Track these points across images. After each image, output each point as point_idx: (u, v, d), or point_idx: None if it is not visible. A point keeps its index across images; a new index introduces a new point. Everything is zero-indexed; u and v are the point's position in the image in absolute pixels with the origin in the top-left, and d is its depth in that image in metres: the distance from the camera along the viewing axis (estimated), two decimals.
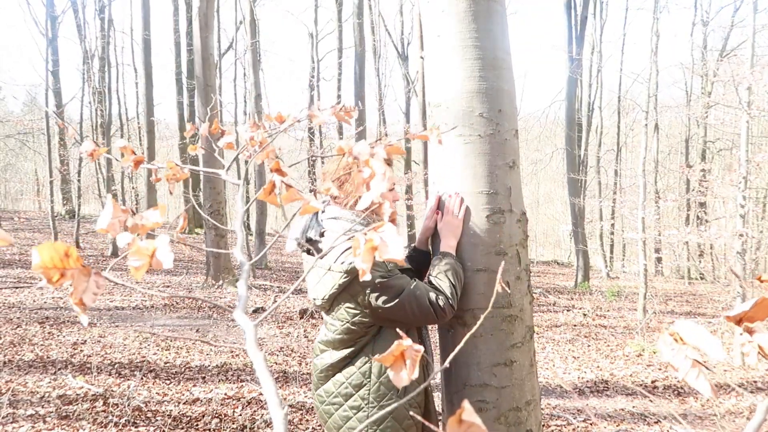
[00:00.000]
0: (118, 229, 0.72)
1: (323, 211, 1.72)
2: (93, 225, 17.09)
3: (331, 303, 1.62)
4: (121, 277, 9.74)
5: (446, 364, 0.65)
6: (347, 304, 1.58)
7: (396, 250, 0.68)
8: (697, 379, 0.60)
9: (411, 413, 1.58)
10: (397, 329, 0.91)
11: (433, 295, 1.56)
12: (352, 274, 1.53)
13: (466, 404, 0.44)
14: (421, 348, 0.65)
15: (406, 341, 0.62)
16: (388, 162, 1.70)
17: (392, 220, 0.78)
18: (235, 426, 3.83)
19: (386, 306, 1.54)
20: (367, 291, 1.54)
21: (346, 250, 1.58)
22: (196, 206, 1.21)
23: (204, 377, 4.89)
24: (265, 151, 1.05)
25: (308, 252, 1.74)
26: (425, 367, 1.67)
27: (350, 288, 1.56)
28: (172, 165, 1.19)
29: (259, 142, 1.17)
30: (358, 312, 1.58)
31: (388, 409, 0.72)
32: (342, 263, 1.56)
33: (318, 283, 1.62)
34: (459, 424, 0.44)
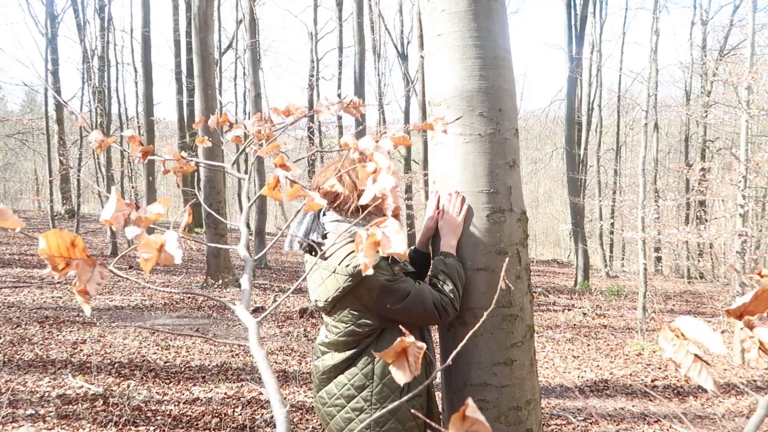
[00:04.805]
0: (122, 221, 0.72)
1: (324, 214, 1.71)
2: (93, 224, 17.07)
3: (334, 305, 1.61)
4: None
5: (449, 361, 0.65)
6: (351, 307, 1.58)
7: (399, 245, 0.68)
8: (699, 375, 0.60)
9: (414, 413, 1.58)
10: (401, 328, 0.91)
11: (437, 297, 1.56)
12: (358, 277, 1.52)
13: (470, 401, 0.44)
14: (424, 345, 0.64)
15: (409, 338, 0.62)
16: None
17: (395, 216, 0.78)
18: (235, 425, 3.83)
19: (392, 308, 1.54)
20: (373, 294, 1.54)
21: (351, 252, 1.56)
22: (201, 201, 1.21)
23: (204, 377, 4.89)
24: (271, 145, 1.05)
25: (310, 252, 1.73)
26: (427, 367, 1.66)
27: (355, 291, 1.55)
28: (178, 157, 1.19)
29: (266, 135, 1.17)
30: (363, 314, 1.58)
31: (391, 408, 0.71)
32: (347, 266, 1.54)
33: (320, 285, 1.61)
34: (462, 420, 0.44)
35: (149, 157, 1.22)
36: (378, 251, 0.70)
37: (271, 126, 1.19)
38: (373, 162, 0.82)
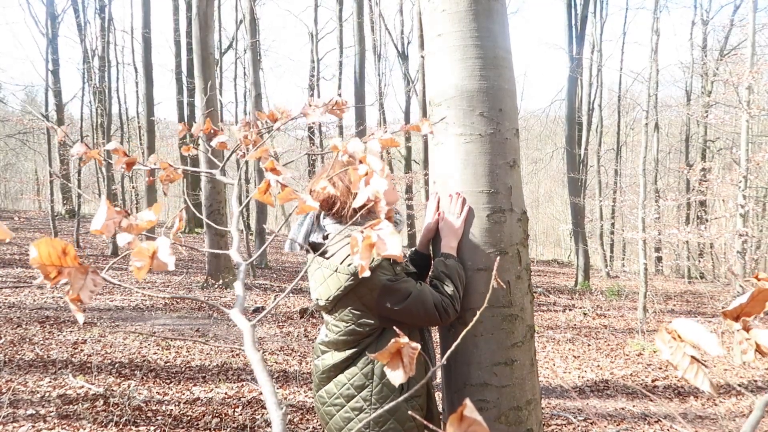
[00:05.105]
0: (112, 229, 0.72)
1: (324, 217, 1.71)
2: None
3: (335, 304, 1.61)
4: (121, 277, 9.74)
5: (443, 360, 0.65)
6: (352, 306, 1.58)
7: (393, 247, 0.68)
8: (696, 377, 0.60)
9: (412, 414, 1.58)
10: (399, 329, 0.91)
11: (438, 299, 1.56)
12: (359, 277, 1.52)
13: (467, 401, 0.44)
14: (418, 346, 0.64)
15: (403, 339, 0.62)
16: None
17: (389, 218, 0.78)
18: (235, 425, 3.83)
19: (394, 309, 1.54)
20: (375, 293, 1.54)
21: None
22: (192, 207, 1.21)
23: (204, 377, 4.89)
24: (258, 150, 1.05)
25: (312, 252, 1.73)
26: (426, 368, 1.66)
27: (357, 290, 1.55)
28: (165, 166, 1.18)
29: (253, 141, 1.17)
30: (364, 314, 1.58)
31: (390, 407, 0.71)
32: (349, 265, 1.55)
33: (322, 284, 1.61)
34: (460, 421, 0.44)
35: (135, 167, 1.21)
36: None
37: (258, 131, 1.19)
38: (365, 164, 0.82)
